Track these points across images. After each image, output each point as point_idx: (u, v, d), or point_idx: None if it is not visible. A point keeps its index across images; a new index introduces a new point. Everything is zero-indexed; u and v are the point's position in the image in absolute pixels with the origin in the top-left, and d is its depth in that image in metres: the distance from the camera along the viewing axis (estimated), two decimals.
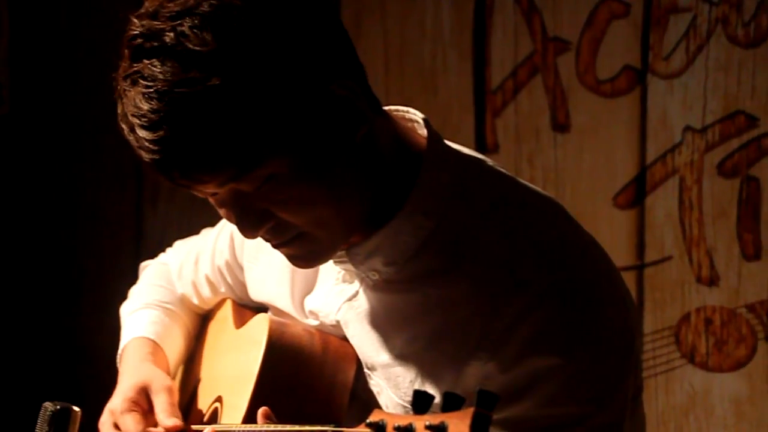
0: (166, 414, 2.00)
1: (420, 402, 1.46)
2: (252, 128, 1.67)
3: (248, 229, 1.76)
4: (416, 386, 1.79)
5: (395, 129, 1.82)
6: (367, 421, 1.49)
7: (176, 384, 2.17)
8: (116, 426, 2.02)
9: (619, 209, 3.05)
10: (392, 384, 1.84)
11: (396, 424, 1.45)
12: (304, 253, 1.80)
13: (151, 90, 1.66)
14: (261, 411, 1.79)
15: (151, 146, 1.67)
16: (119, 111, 1.70)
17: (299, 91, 1.70)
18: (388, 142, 1.80)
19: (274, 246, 1.80)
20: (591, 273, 1.79)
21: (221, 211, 1.79)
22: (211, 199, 1.78)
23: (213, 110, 1.66)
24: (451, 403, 1.43)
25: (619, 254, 3.02)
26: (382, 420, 1.48)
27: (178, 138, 1.66)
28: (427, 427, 1.41)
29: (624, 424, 1.79)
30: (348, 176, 1.75)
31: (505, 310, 1.75)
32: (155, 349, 2.17)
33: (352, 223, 1.79)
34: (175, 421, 1.98)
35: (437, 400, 1.47)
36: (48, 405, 1.98)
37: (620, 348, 1.79)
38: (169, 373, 2.16)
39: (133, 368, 2.12)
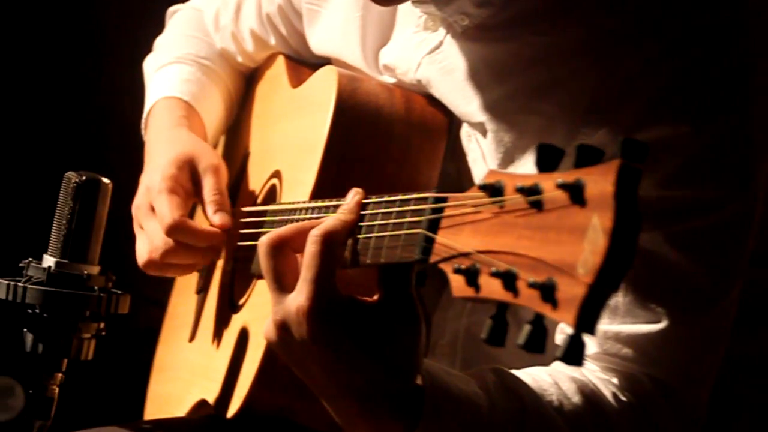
0: (213, 205, 1.73)
1: (546, 157, 1.16)
2: None
3: None
4: (517, 151, 1.52)
5: None
6: (480, 183, 1.20)
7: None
8: (153, 208, 1.73)
9: None
10: (485, 151, 1.58)
11: (518, 185, 1.16)
12: None
13: None
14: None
15: None
16: None
17: None
18: None
19: None
20: (745, 17, 1.46)
21: None
22: None
23: None
24: (587, 157, 1.12)
25: None
26: (498, 181, 1.19)
27: None
28: (559, 186, 1.11)
29: (755, 215, 1.48)
30: None
31: (626, 63, 1.46)
32: (189, 112, 1.90)
33: None
34: (223, 218, 1.71)
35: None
36: (71, 175, 1.69)
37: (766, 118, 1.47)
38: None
39: (167, 137, 1.84)
